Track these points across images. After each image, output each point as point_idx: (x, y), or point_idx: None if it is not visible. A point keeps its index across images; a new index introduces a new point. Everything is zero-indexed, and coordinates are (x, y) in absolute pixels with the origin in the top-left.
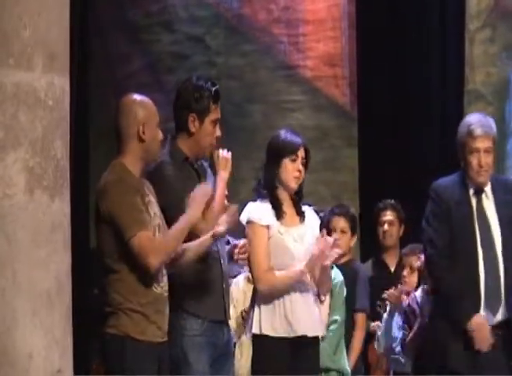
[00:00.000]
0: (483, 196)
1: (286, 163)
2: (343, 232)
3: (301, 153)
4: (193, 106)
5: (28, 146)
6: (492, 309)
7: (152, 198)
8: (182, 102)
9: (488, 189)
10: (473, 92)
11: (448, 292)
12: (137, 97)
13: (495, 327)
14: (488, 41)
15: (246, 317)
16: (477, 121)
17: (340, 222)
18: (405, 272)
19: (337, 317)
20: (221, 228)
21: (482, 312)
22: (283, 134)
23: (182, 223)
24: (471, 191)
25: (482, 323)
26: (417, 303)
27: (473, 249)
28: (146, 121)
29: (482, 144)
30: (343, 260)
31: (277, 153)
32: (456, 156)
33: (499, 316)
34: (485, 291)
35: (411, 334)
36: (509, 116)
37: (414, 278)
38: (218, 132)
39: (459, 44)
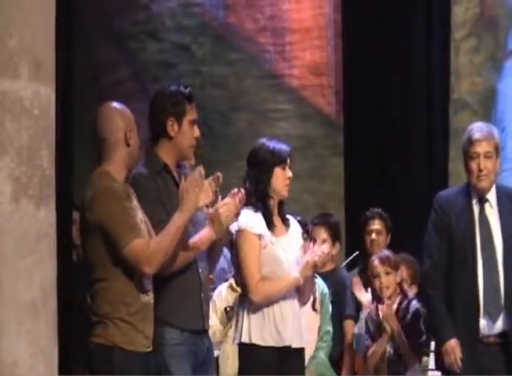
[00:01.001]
0: (486, 205)
1: (278, 172)
2: (324, 241)
3: (289, 160)
4: (170, 110)
5: (14, 155)
6: (491, 317)
7: (136, 203)
8: (159, 108)
9: (492, 198)
10: (458, 101)
11: (433, 315)
12: (117, 105)
13: (496, 336)
14: (473, 50)
15: (230, 314)
16: (476, 127)
17: (321, 232)
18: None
19: (329, 328)
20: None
21: (481, 320)
22: (270, 143)
23: (176, 222)
24: (474, 200)
25: (454, 347)
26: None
27: (472, 257)
28: (130, 127)
29: (481, 148)
30: (328, 268)
31: (268, 162)
32: (441, 164)
33: (500, 326)
34: (484, 299)
35: (373, 348)
36: (495, 126)
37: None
38: (197, 132)
39: (445, 53)
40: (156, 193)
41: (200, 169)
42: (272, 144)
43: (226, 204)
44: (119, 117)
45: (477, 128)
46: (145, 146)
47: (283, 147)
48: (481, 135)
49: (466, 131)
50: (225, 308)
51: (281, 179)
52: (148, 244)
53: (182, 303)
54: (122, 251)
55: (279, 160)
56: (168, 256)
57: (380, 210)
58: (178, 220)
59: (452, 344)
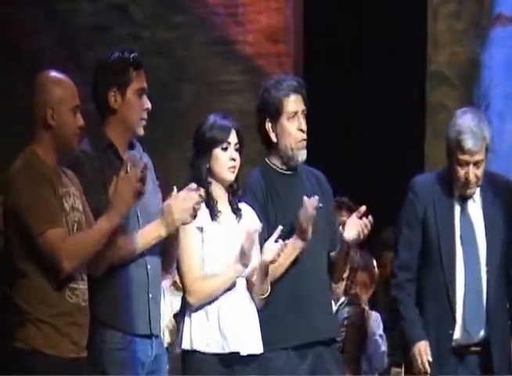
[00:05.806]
0: (469, 201)
1: (218, 153)
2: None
3: (232, 138)
4: (112, 80)
5: None
6: (472, 329)
7: (73, 190)
8: (100, 80)
9: (476, 192)
10: (436, 74)
11: (400, 318)
12: (52, 75)
13: (475, 345)
14: (453, 15)
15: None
16: (468, 131)
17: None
18: None
19: None
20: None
21: (458, 332)
22: (211, 119)
23: (102, 224)
24: (456, 194)
25: (422, 350)
26: None
27: (449, 256)
28: (56, 104)
29: (472, 158)
30: None
31: (205, 142)
32: (417, 147)
33: (481, 333)
34: (464, 305)
35: None
36: (477, 103)
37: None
38: (147, 104)
39: (421, 18)
40: (98, 176)
41: (137, 169)
42: (213, 119)
43: (184, 199)
44: (47, 91)
45: (470, 133)
46: (92, 125)
47: (225, 123)
48: (474, 145)
49: (455, 127)
50: (174, 315)
51: (221, 162)
52: (67, 239)
53: (124, 303)
54: (36, 241)
55: (218, 139)
56: (89, 259)
57: (347, 199)
58: (105, 223)
59: (421, 346)
